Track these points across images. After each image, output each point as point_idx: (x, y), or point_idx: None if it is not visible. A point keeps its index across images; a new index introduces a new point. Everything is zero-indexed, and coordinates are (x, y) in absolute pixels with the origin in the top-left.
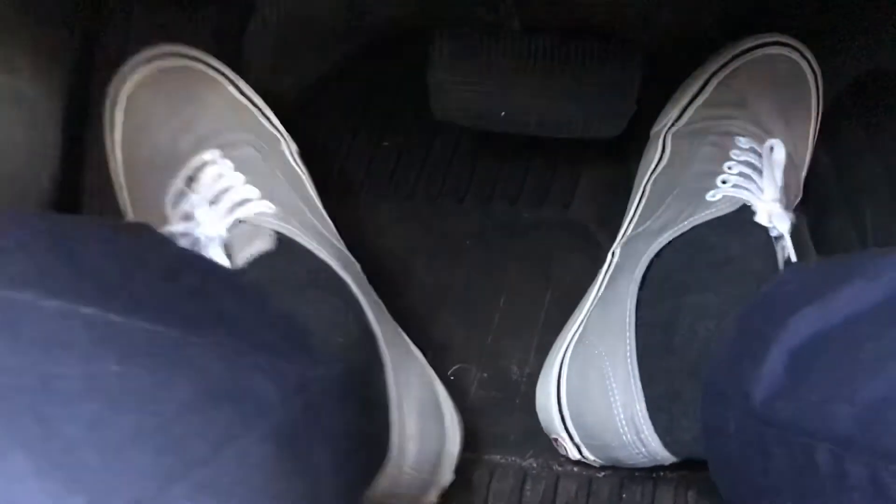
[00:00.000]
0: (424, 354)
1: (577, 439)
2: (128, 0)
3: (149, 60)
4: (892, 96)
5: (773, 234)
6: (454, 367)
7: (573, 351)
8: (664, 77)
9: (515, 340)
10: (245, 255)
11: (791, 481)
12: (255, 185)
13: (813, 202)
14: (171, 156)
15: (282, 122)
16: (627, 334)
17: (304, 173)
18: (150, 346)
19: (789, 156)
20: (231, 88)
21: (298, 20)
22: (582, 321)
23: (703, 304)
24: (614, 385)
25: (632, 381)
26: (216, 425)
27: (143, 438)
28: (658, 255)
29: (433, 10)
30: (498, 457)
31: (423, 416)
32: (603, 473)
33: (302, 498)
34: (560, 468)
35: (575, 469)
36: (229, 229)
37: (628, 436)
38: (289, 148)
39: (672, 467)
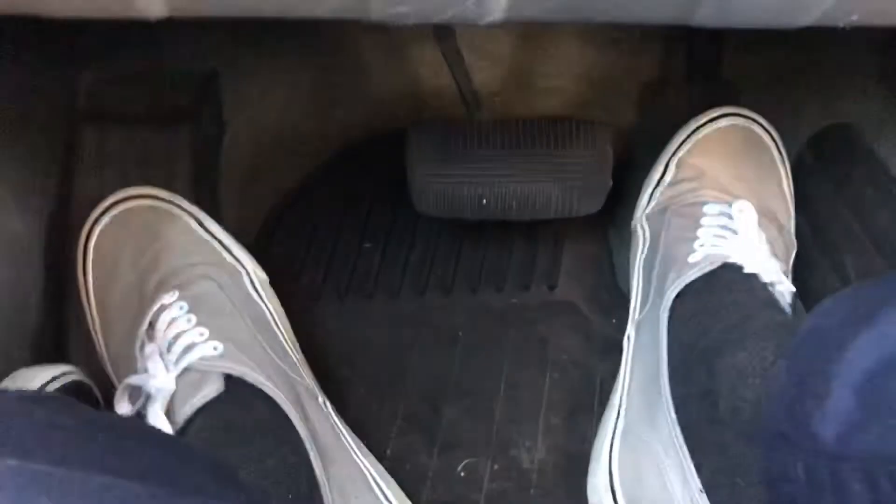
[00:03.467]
0: (430, 453)
1: None
2: (103, 127)
3: (116, 203)
4: (852, 145)
5: (764, 279)
6: (463, 463)
7: (621, 442)
8: (638, 158)
9: (521, 427)
10: (191, 404)
11: None
12: (206, 325)
13: (794, 260)
14: (138, 299)
15: (259, 234)
16: (668, 413)
17: (267, 305)
18: (83, 487)
19: (762, 213)
20: (194, 225)
21: (270, 131)
22: (619, 411)
23: (739, 365)
24: (668, 467)
25: (683, 460)
26: None
27: None
28: (673, 328)
29: (404, 113)
30: None
31: None
32: None
33: None
34: None
35: None
36: (178, 378)
37: None
38: (251, 279)
39: None
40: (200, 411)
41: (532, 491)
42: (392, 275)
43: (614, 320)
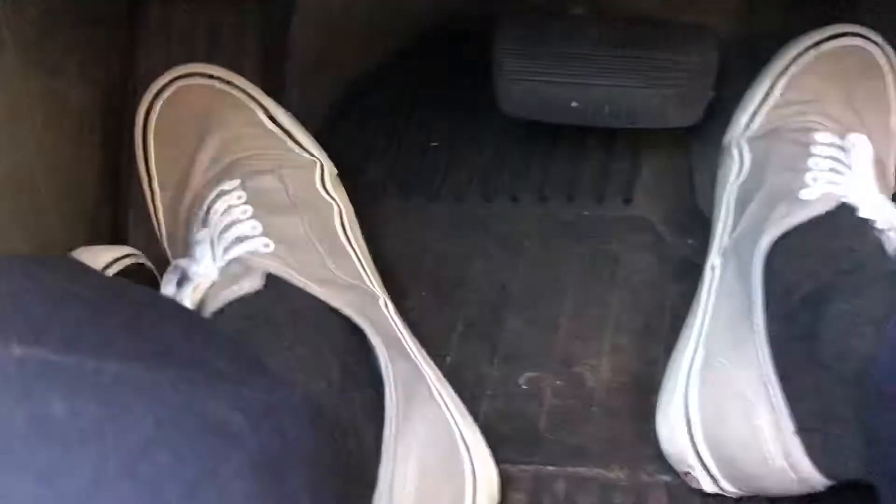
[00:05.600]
0: (490, 363)
1: (713, 470)
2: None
3: (179, 79)
4: None
5: (878, 226)
6: (525, 376)
7: (700, 376)
8: (734, 76)
9: (586, 344)
10: (227, 294)
11: None
12: (261, 220)
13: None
14: (199, 183)
15: (324, 125)
16: (761, 352)
17: (337, 200)
18: (97, 379)
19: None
20: (261, 114)
21: (342, 16)
22: (697, 343)
23: (850, 313)
24: (757, 407)
25: (775, 400)
26: (189, 461)
27: (106, 485)
28: (771, 265)
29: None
30: (582, 469)
31: (426, 472)
32: None
33: None
34: (648, 478)
35: (663, 478)
36: (222, 269)
37: (776, 461)
38: (322, 172)
39: None
40: (233, 304)
41: (594, 409)
42: (458, 177)
43: (690, 241)
